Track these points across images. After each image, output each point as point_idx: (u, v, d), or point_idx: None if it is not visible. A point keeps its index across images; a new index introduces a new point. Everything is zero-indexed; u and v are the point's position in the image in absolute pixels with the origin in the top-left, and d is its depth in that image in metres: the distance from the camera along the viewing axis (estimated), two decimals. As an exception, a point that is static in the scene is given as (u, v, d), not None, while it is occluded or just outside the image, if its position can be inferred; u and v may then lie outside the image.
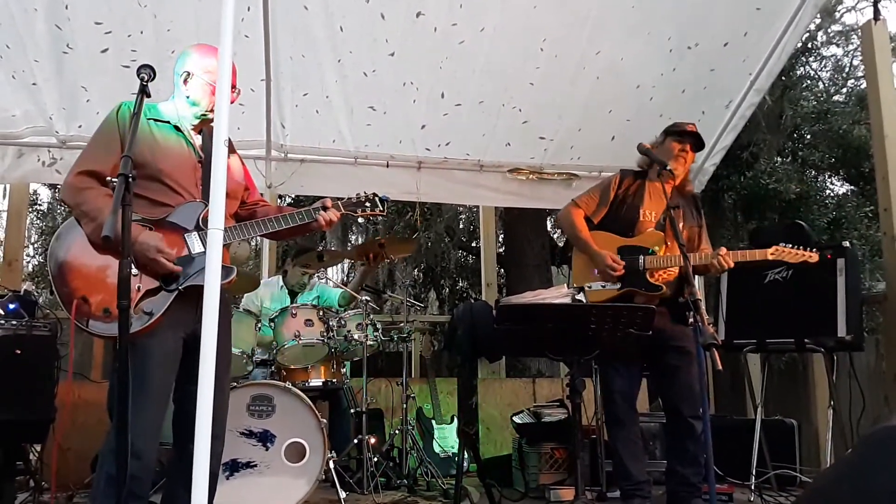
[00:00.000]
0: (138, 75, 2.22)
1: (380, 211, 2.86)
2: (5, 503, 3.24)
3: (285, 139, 4.96)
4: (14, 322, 3.16)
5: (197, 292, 2.32)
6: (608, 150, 5.07)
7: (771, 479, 3.89)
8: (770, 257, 3.17)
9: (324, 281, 4.85)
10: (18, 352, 3.07)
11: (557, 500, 3.72)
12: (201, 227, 2.45)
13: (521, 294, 3.10)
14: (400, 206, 10.12)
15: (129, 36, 4.12)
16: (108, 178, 2.28)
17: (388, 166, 5.13)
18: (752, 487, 3.83)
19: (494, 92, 4.68)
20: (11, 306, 3.52)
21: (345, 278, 4.40)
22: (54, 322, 3.28)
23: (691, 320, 2.68)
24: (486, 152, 5.12)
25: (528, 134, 4.99)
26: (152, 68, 2.25)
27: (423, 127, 4.86)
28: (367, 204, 2.84)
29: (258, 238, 3.21)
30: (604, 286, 3.25)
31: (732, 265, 3.19)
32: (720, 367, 2.44)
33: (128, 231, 1.93)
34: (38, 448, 3.59)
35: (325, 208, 2.69)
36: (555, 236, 10.72)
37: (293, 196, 8.97)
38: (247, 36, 4.18)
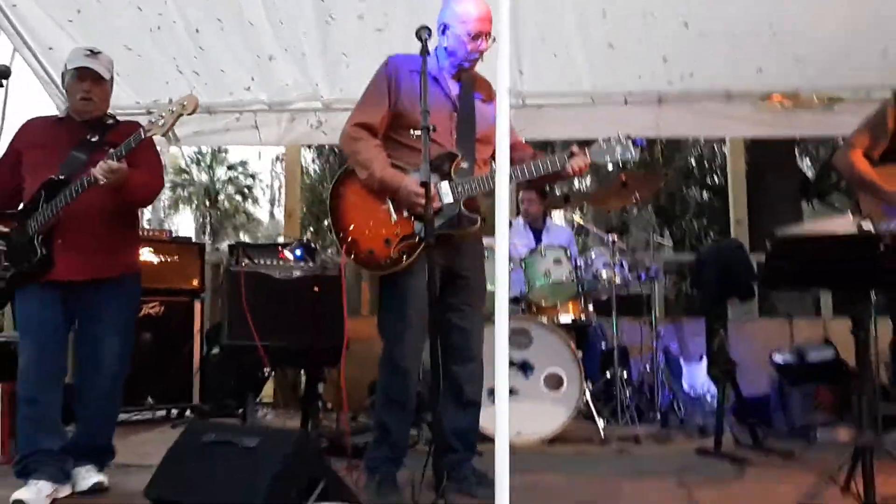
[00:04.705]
0: (419, 37, 2.43)
1: (631, 156, 2.70)
2: (312, 421, 3.80)
3: (523, 86, 5.06)
4: (311, 264, 3.67)
5: (445, 237, 2.58)
6: (878, 67, 4.51)
7: None
8: None
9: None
10: (317, 289, 3.57)
11: (828, 441, 3.54)
12: (451, 178, 2.61)
13: (796, 226, 2.94)
14: (634, 144, 9.92)
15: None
16: (412, 131, 2.51)
17: (626, 103, 5.03)
18: None
19: (744, 14, 4.34)
20: (298, 252, 4.08)
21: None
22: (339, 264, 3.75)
23: None
24: (735, 80, 4.79)
25: (783, 56, 4.57)
26: (430, 29, 2.45)
27: (664, 59, 4.69)
28: (618, 148, 2.69)
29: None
30: None
31: None
32: None
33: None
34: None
35: (573, 155, 2.65)
36: (805, 170, 9.81)
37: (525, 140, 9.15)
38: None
